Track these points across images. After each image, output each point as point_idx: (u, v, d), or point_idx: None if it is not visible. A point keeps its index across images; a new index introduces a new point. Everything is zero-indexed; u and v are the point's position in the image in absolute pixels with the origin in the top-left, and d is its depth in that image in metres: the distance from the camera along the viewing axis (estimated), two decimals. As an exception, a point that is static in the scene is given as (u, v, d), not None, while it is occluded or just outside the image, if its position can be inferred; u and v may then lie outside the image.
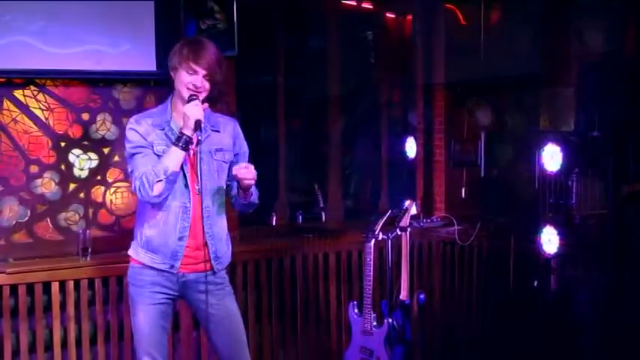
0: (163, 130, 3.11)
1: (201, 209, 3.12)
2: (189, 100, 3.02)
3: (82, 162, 4.24)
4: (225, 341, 3.26)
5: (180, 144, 2.99)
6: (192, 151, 3.09)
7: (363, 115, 5.70)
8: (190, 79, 3.05)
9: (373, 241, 4.05)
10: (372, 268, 4.05)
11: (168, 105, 3.19)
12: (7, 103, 4.06)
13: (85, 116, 4.23)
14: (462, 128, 5.11)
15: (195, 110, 2.99)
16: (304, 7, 5.18)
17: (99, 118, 4.25)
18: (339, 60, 4.94)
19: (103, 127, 4.26)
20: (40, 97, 4.13)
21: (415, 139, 5.30)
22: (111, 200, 4.29)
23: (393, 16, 5.51)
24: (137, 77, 4.27)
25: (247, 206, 3.29)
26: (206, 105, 3.09)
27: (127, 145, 3.12)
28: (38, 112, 4.13)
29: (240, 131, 3.32)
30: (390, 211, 4.22)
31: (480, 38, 5.07)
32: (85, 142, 4.23)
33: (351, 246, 4.67)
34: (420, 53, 5.20)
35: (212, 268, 3.19)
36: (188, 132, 2.99)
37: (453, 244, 4.97)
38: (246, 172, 3.04)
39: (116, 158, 4.28)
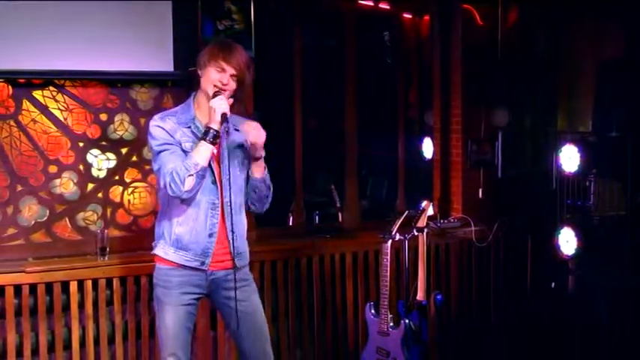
0: (189, 127, 3.16)
1: (225, 205, 3.17)
2: (215, 96, 3.08)
3: (101, 162, 4.26)
4: (250, 338, 3.28)
5: (208, 138, 3.05)
6: (215, 149, 3.13)
7: (379, 115, 5.70)
8: (218, 76, 3.11)
9: (390, 241, 4.06)
10: (388, 269, 4.05)
11: (191, 103, 3.23)
12: (26, 104, 4.09)
13: (103, 116, 4.25)
14: (479, 128, 5.09)
15: (222, 103, 3.05)
16: (321, 7, 5.18)
17: (117, 118, 4.27)
18: (355, 60, 4.94)
19: (121, 127, 4.28)
20: (59, 97, 4.16)
21: (432, 139, 5.29)
22: (129, 200, 4.31)
23: (409, 16, 5.51)
24: (155, 78, 4.29)
25: (261, 192, 3.30)
26: (231, 100, 3.14)
27: (154, 143, 3.14)
28: (57, 113, 4.16)
29: None
30: (407, 212, 4.22)
31: (497, 38, 5.06)
32: (103, 143, 4.25)
33: (367, 246, 4.66)
34: (437, 53, 5.18)
35: (234, 265, 3.23)
36: (215, 125, 3.05)
37: (470, 245, 4.96)
38: (255, 128, 3.11)
39: (134, 158, 4.30)
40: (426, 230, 4.23)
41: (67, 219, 4.20)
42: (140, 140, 4.27)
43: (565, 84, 5.19)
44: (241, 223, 3.27)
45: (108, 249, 4.09)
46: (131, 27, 4.14)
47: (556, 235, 4.53)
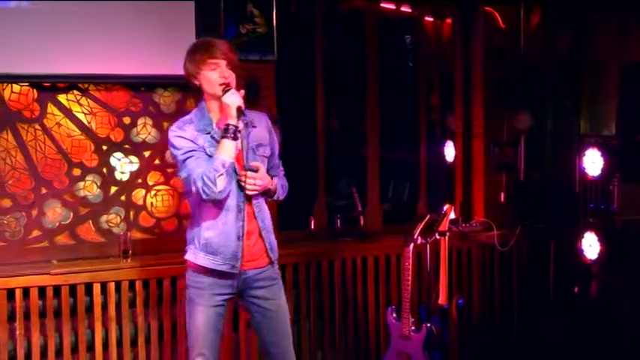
0: (209, 133, 3.17)
1: (254, 206, 3.22)
2: (225, 92, 3.09)
3: (124, 165, 4.29)
4: (275, 337, 3.32)
5: (229, 134, 3.06)
6: (237, 150, 3.14)
7: (401, 118, 5.69)
8: (217, 74, 3.14)
9: (412, 245, 4.05)
10: (410, 273, 4.04)
11: (205, 110, 3.24)
12: (51, 107, 4.13)
13: (127, 120, 4.27)
14: (502, 132, 5.06)
15: (234, 98, 3.08)
16: (343, 10, 5.19)
17: (140, 121, 4.30)
18: (377, 63, 4.94)
19: (144, 130, 4.31)
20: (83, 101, 4.19)
21: (454, 142, 5.27)
22: (151, 203, 4.33)
23: (431, 19, 5.49)
24: (178, 81, 4.29)
25: (272, 198, 3.39)
26: (242, 92, 3.16)
27: (177, 153, 3.16)
28: (81, 116, 4.19)
29: (271, 125, 3.40)
30: (428, 216, 4.21)
31: (519, 41, 5.04)
32: (127, 146, 4.28)
33: (389, 250, 4.65)
34: (459, 56, 5.17)
35: (270, 261, 3.29)
36: (233, 121, 3.06)
37: (492, 249, 4.94)
38: (246, 181, 3.14)
39: (157, 161, 4.33)
40: (447, 234, 4.22)
41: (90, 221, 4.23)
42: (163, 143, 4.28)
43: (588, 87, 5.15)
44: (268, 219, 3.32)
45: (131, 251, 4.12)
46: (154, 31, 4.16)
47: (579, 239, 4.50)
